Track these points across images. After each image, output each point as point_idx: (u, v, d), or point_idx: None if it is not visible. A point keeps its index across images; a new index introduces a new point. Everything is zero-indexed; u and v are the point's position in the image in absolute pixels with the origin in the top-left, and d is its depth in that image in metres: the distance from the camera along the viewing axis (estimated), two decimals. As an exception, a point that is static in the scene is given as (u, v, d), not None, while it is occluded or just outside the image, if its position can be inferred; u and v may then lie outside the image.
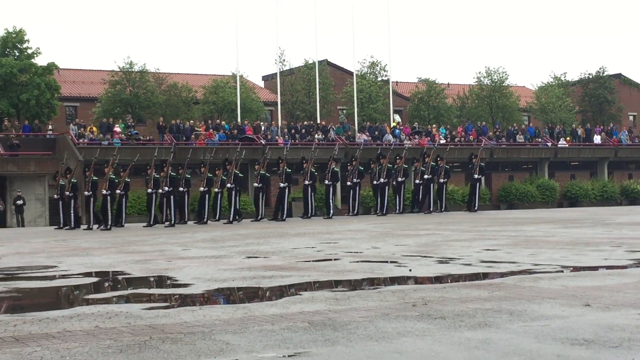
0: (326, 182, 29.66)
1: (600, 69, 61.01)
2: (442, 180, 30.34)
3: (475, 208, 30.88)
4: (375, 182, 30.24)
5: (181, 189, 27.81)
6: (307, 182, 29.55)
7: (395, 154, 31.71)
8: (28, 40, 43.47)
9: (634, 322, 5.43)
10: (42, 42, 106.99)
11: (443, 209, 30.48)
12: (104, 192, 25.82)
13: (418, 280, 8.49)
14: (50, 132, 40.63)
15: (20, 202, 35.92)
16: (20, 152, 37.33)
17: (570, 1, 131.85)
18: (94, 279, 9.95)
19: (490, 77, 53.86)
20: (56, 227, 27.85)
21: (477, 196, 31.77)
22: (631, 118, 65.53)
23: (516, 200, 43.82)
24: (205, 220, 27.79)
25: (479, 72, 54.70)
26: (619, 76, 65.84)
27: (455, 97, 54.92)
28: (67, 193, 27.17)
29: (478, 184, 32.20)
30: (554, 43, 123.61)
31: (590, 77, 60.66)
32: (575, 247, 12.26)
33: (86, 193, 26.33)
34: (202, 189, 28.27)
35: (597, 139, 49.31)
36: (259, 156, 37.20)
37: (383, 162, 30.11)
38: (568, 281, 7.92)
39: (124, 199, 27.36)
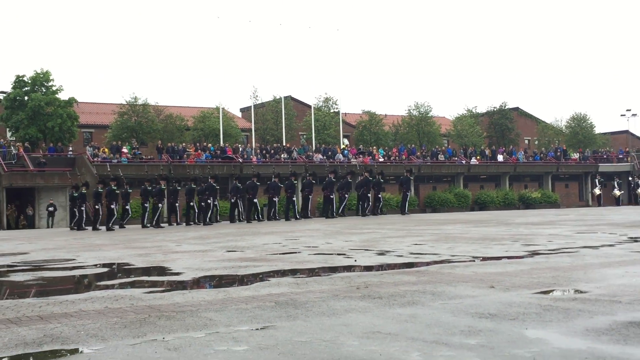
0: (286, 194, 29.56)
1: (502, 103, 61.88)
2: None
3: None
4: (326, 192, 30.15)
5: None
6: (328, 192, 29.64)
7: (344, 171, 31.93)
8: (53, 79, 43.11)
9: (527, 300, 5.49)
10: (65, 80, 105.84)
11: (379, 213, 30.73)
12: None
13: (361, 268, 8.50)
14: (70, 153, 40.22)
15: (51, 208, 35.85)
16: (47, 168, 37.01)
17: (478, 48, 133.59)
18: (105, 269, 9.82)
19: (418, 110, 54.31)
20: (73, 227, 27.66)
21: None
22: (526, 141, 66.44)
23: (438, 206, 44.16)
24: (190, 222, 27.79)
25: (410, 106, 55.25)
26: (516, 109, 66.78)
27: (391, 125, 55.24)
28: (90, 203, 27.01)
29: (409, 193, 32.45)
30: (467, 83, 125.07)
31: (495, 109, 61.41)
32: (483, 241, 12.36)
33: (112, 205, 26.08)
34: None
35: (500, 157, 49.96)
36: (237, 172, 37.27)
37: (331, 176, 30.23)
38: (478, 268, 7.97)
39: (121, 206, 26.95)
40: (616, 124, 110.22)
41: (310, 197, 29.65)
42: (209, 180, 28.89)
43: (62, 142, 41.21)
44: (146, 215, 27.47)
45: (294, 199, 29.07)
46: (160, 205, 27.11)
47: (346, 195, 30.23)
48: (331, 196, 29.62)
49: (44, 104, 40.89)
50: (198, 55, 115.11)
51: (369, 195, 30.37)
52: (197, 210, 28.32)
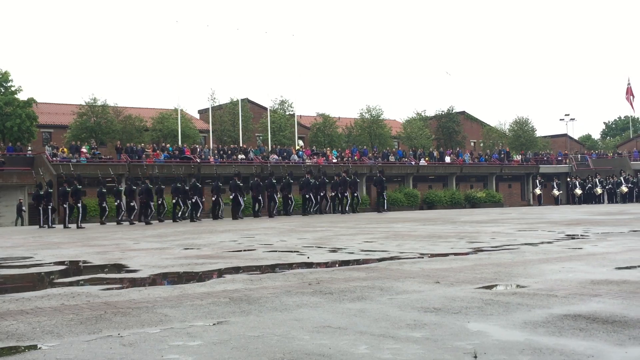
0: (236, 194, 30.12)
1: (450, 107, 62.51)
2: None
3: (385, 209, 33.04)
4: (303, 192, 31.29)
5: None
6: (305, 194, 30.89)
7: (317, 172, 33.05)
8: (12, 80, 42.13)
9: (470, 295, 5.57)
10: (24, 81, 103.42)
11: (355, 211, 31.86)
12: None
13: (314, 265, 8.50)
14: (29, 152, 39.29)
15: (24, 208, 35.19)
16: (5, 167, 36.12)
17: (427, 54, 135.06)
18: (62, 267, 9.63)
19: (370, 113, 54.52)
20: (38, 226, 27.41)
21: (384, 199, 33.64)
22: (472, 144, 67.29)
23: (389, 205, 44.27)
24: (158, 220, 28.02)
25: (362, 109, 55.40)
26: (463, 113, 67.59)
27: (344, 127, 55.34)
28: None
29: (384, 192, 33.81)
30: (416, 88, 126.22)
31: (443, 113, 62.02)
32: (430, 239, 12.49)
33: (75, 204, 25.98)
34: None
35: (447, 159, 50.43)
36: (195, 172, 36.95)
37: (308, 177, 31.31)
38: (424, 265, 8.04)
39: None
40: (556, 127, 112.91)
41: (290, 196, 30.77)
42: (193, 180, 29.39)
43: (21, 142, 40.29)
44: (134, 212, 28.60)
45: (275, 196, 30.05)
46: (152, 202, 27.84)
47: (321, 195, 31.40)
48: (307, 195, 30.67)
49: (3, 104, 39.95)
50: (157, 57, 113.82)
51: (346, 194, 31.51)
52: (183, 207, 28.69)
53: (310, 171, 33.55)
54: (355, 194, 32.55)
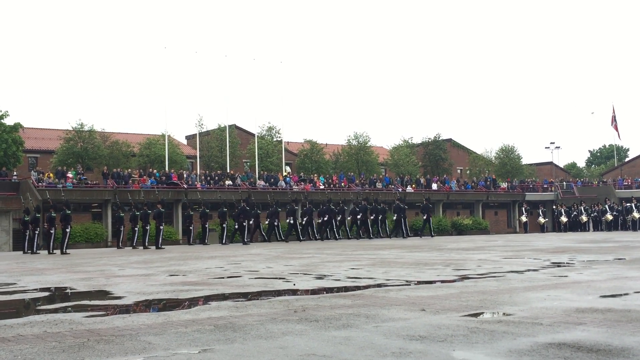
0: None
1: (436, 134, 62.77)
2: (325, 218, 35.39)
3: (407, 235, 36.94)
4: (361, 217, 35.68)
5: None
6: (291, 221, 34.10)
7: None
8: (-1, 105, 42.02)
9: (455, 323, 5.56)
10: (11, 106, 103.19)
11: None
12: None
13: (300, 292, 8.47)
14: (15, 177, 39.02)
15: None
16: (-10, 192, 35.85)
17: (415, 82, 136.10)
18: (46, 293, 9.52)
19: (357, 139, 54.70)
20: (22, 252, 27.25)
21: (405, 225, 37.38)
22: (459, 171, 67.58)
23: (375, 232, 44.24)
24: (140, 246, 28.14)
25: (349, 135, 55.57)
26: (450, 140, 67.92)
27: (332, 153, 55.45)
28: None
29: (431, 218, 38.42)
30: (404, 115, 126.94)
31: (430, 140, 62.28)
32: (417, 266, 12.48)
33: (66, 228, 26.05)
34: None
35: (434, 186, 50.58)
36: (182, 197, 36.88)
37: (364, 203, 35.99)
38: (410, 292, 8.03)
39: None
40: (541, 155, 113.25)
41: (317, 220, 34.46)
42: (242, 204, 32.11)
43: (6, 167, 40.05)
44: (135, 237, 29.48)
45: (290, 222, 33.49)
46: (147, 227, 28.83)
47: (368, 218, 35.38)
48: (360, 219, 34.82)
49: (-11, 130, 39.77)
50: (145, 83, 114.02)
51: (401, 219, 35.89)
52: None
53: (366, 198, 37.45)
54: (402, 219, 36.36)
